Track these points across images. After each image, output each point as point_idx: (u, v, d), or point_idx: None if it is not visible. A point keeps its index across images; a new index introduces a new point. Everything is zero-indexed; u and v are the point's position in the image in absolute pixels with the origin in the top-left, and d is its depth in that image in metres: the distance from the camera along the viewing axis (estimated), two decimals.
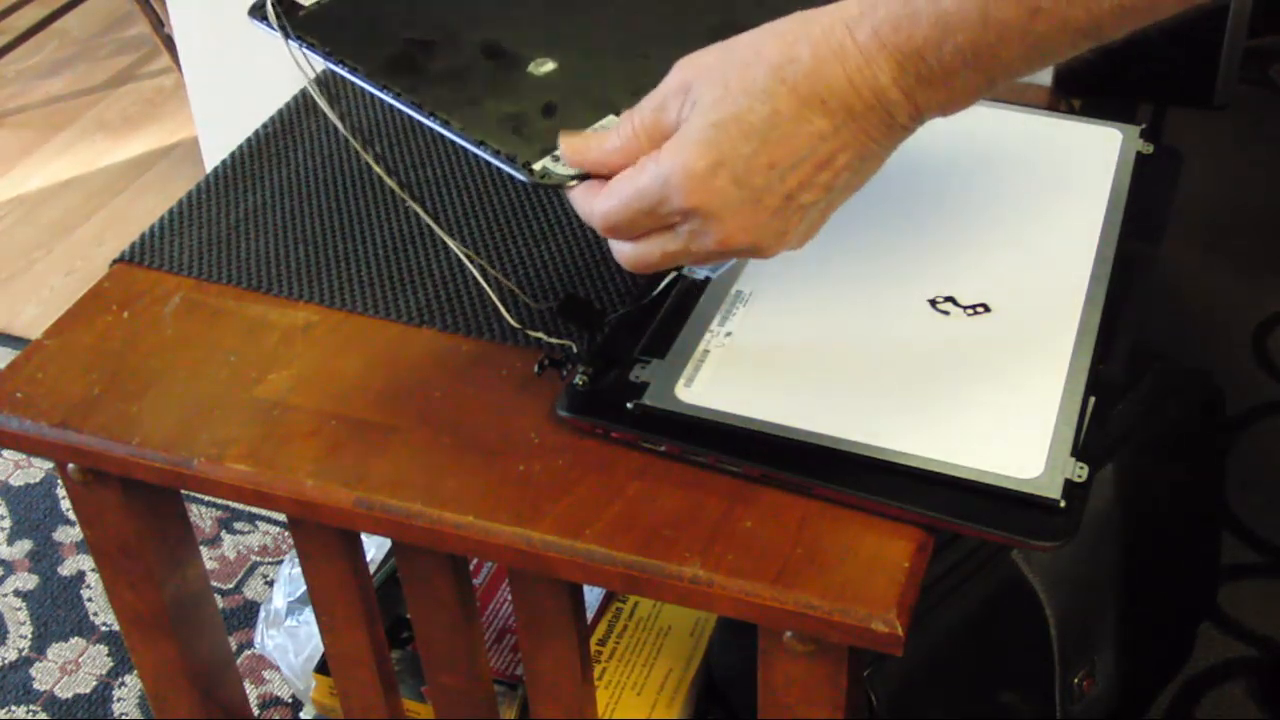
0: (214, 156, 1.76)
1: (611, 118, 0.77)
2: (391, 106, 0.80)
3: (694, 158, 0.64)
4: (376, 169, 0.96)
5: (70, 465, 0.83)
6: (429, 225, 0.94)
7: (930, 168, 0.95)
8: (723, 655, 1.12)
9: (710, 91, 0.64)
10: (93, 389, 0.83)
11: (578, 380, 0.79)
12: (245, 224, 0.96)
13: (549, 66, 0.82)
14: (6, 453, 1.77)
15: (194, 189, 0.99)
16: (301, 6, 0.85)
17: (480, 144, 0.76)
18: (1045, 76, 1.09)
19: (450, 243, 0.89)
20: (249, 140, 1.04)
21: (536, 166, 0.74)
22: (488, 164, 0.81)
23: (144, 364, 0.85)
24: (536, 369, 0.81)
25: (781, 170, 0.64)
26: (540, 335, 0.84)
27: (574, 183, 0.72)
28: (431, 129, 0.78)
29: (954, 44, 0.60)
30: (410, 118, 0.80)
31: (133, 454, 0.80)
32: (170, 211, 0.97)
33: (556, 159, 0.74)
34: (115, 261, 0.94)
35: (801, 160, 0.64)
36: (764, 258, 0.69)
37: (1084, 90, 1.10)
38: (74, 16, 2.69)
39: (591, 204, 0.69)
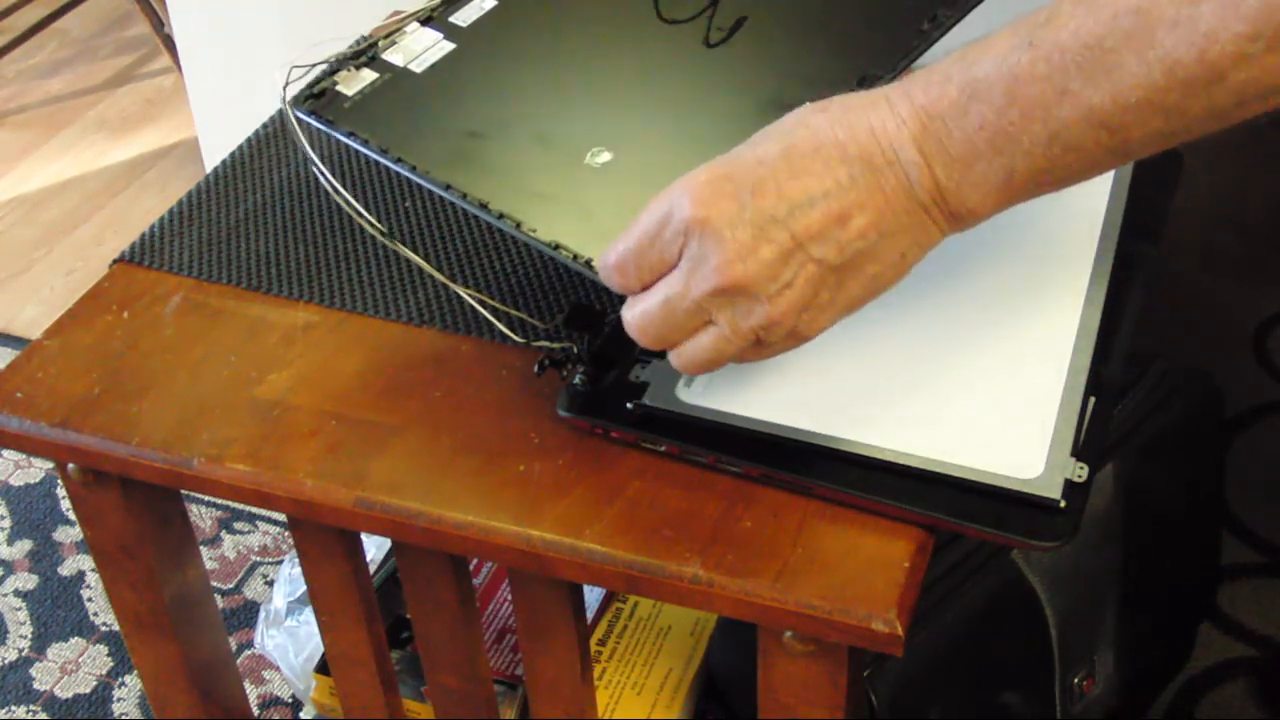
0: (214, 156, 1.76)
1: None
2: (452, 203, 0.79)
3: (700, 171, 0.64)
4: (384, 236, 0.95)
5: (70, 465, 0.83)
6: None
7: None
8: (723, 655, 1.12)
9: (723, 159, 0.65)
10: (93, 389, 0.83)
11: (578, 380, 0.79)
12: (245, 224, 0.96)
13: (606, 156, 0.81)
14: (6, 453, 1.77)
15: (194, 189, 0.99)
16: (346, 97, 0.84)
17: (556, 248, 0.75)
18: None
19: (460, 291, 0.87)
20: (249, 140, 1.04)
21: None
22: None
23: (144, 364, 0.85)
24: (536, 369, 0.81)
25: (791, 204, 0.62)
26: (543, 343, 0.84)
27: None
28: (500, 229, 0.77)
29: (978, 112, 0.60)
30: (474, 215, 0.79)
31: (133, 454, 0.80)
32: (170, 211, 0.97)
33: None
34: (115, 261, 0.94)
35: (813, 200, 0.62)
36: (766, 327, 0.65)
37: None
38: (74, 16, 2.69)
39: (603, 260, 0.69)
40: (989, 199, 0.63)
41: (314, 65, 0.85)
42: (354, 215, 0.90)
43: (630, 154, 0.81)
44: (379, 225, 0.87)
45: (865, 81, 0.82)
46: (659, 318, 0.68)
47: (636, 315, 0.69)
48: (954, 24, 0.87)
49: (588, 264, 0.75)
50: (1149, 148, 0.60)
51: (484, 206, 0.78)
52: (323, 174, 0.88)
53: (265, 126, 1.05)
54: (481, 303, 0.85)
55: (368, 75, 0.86)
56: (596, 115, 0.85)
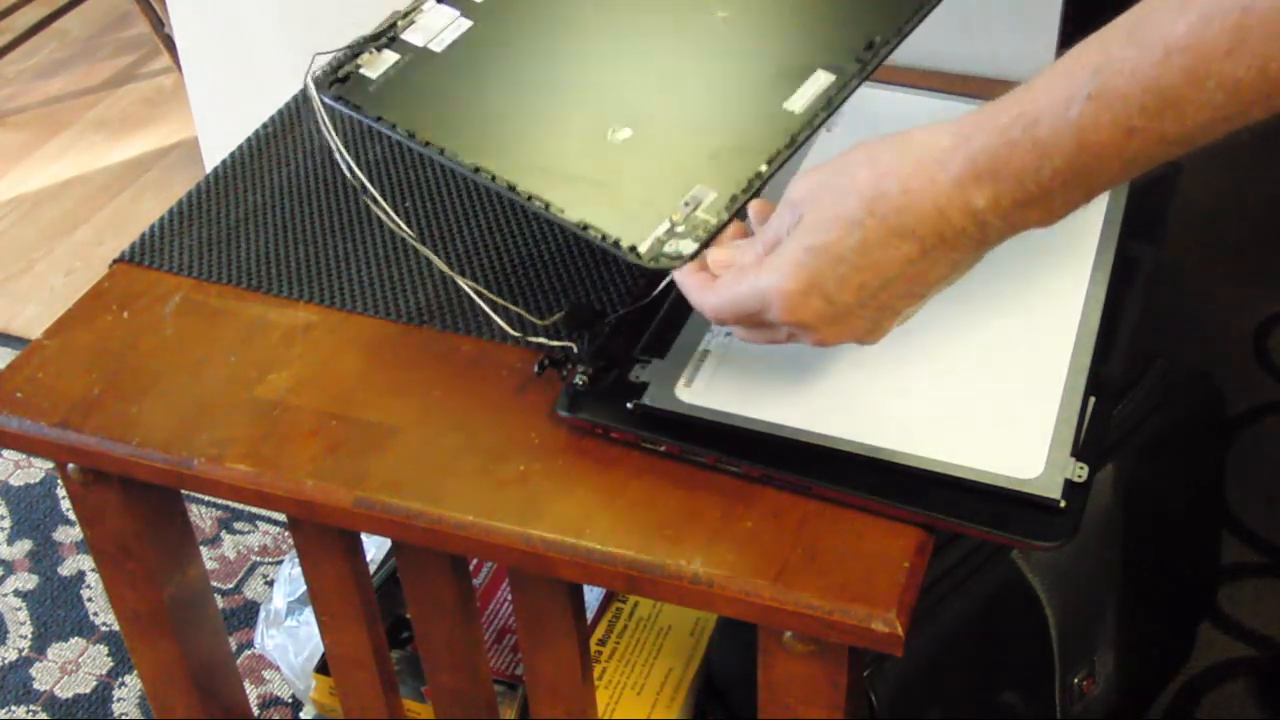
0: (214, 156, 1.76)
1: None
2: (480, 184, 0.80)
3: (788, 280, 0.68)
4: (391, 215, 0.95)
5: (70, 465, 0.83)
6: (431, 256, 0.94)
7: None
8: (723, 655, 1.12)
9: (811, 214, 0.68)
10: (93, 389, 0.83)
11: (578, 380, 0.79)
12: (245, 224, 0.96)
13: (626, 133, 0.81)
14: (6, 453, 1.77)
15: (194, 189, 0.99)
16: (370, 80, 0.84)
17: (584, 228, 0.77)
18: None
19: (462, 282, 0.87)
20: (249, 140, 1.04)
21: (643, 250, 0.76)
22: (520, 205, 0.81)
23: (144, 364, 0.85)
24: (536, 369, 0.81)
25: (871, 289, 0.68)
26: (541, 340, 0.84)
27: (681, 262, 0.75)
28: (527, 208, 0.78)
29: (1052, 167, 0.62)
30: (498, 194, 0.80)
31: (133, 454, 0.80)
32: (170, 211, 0.97)
33: (660, 241, 0.76)
34: (115, 261, 0.94)
35: (890, 281, 0.67)
36: (870, 344, 0.73)
37: None
38: (74, 16, 2.69)
39: (702, 297, 0.73)
40: (1068, 212, 0.65)
41: (335, 51, 0.85)
42: (380, 213, 0.90)
43: (649, 129, 0.82)
44: (399, 221, 0.87)
45: (872, 47, 0.84)
46: (745, 334, 0.74)
47: (740, 336, 0.75)
48: None
49: (615, 244, 0.76)
50: (1214, 138, 0.62)
51: (513, 188, 0.78)
52: (349, 165, 0.88)
53: (265, 126, 1.05)
54: (481, 295, 0.85)
55: (390, 57, 0.86)
56: (614, 91, 0.85)
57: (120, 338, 0.87)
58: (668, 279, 0.85)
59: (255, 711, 1.44)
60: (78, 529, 1.49)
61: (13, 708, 1.45)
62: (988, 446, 0.74)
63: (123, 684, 1.47)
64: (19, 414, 0.82)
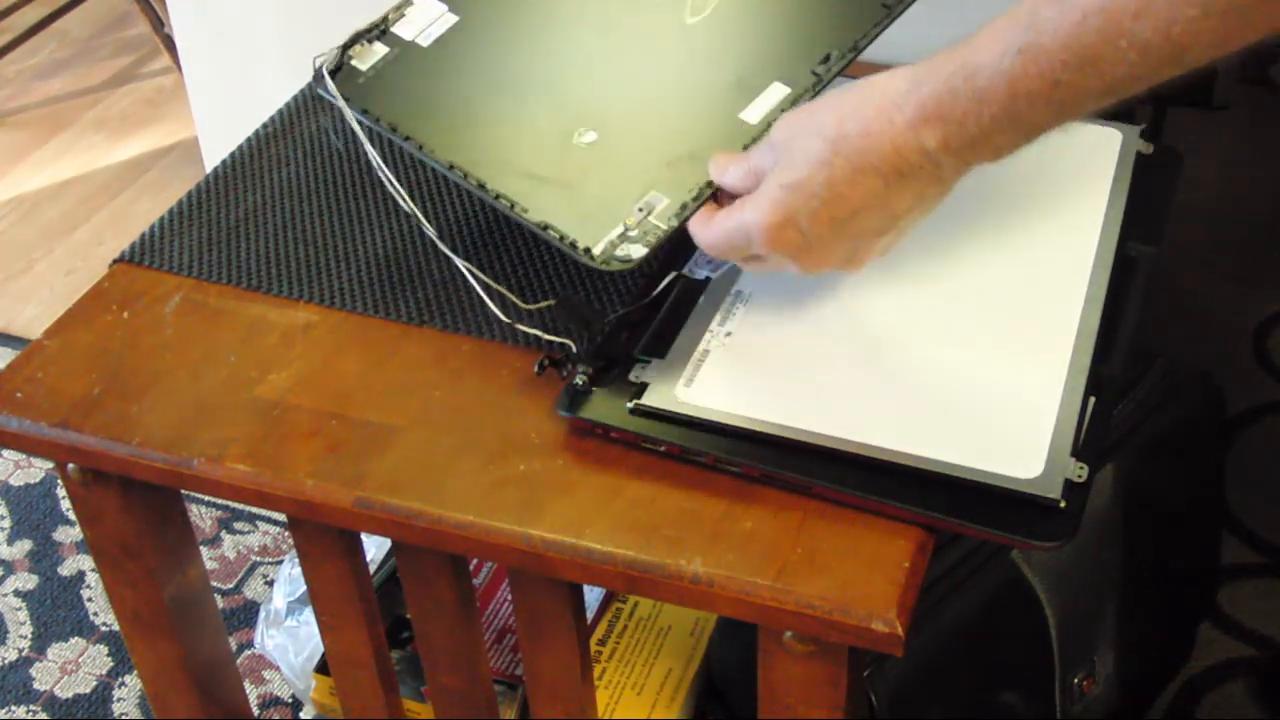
0: (214, 156, 1.76)
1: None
2: (460, 184, 0.83)
3: (766, 215, 0.76)
4: (389, 180, 0.96)
5: (70, 465, 0.83)
6: (426, 226, 0.94)
7: None
8: (723, 655, 1.12)
9: (786, 156, 0.75)
10: (93, 389, 0.83)
11: (578, 380, 0.79)
12: (245, 224, 0.96)
13: (591, 137, 0.85)
14: (6, 453, 1.77)
15: (194, 189, 0.99)
16: (360, 72, 0.87)
17: (545, 229, 0.81)
18: None
19: (443, 246, 0.90)
20: (249, 140, 1.04)
21: (597, 252, 0.80)
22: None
23: (144, 364, 0.85)
24: (536, 369, 0.81)
25: (841, 220, 0.74)
26: (538, 332, 0.84)
27: (629, 265, 0.80)
28: (494, 207, 0.82)
29: (990, 113, 0.68)
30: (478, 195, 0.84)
31: (133, 454, 0.80)
32: (170, 211, 0.97)
33: (613, 244, 0.80)
34: (115, 261, 0.94)
35: (858, 212, 0.74)
36: (853, 271, 0.80)
37: None
38: (74, 16, 2.69)
39: (697, 232, 0.81)
40: (1015, 149, 0.72)
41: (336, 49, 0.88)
42: (404, 205, 0.92)
43: (613, 133, 0.86)
44: (417, 210, 0.91)
45: (828, 60, 0.88)
46: (744, 264, 0.81)
47: (713, 241, 0.80)
48: (912, 2, 0.91)
49: (572, 244, 0.80)
50: (1139, 91, 0.68)
51: (482, 186, 0.83)
52: (377, 162, 0.90)
53: (265, 126, 1.05)
54: (475, 275, 0.87)
55: (380, 50, 0.88)
56: (584, 91, 0.88)
57: (120, 338, 0.87)
58: (666, 281, 0.86)
59: (255, 711, 1.44)
60: (78, 529, 1.49)
61: (13, 708, 1.45)
62: (988, 446, 0.74)
63: (123, 684, 1.47)
64: (19, 414, 0.82)
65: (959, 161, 0.72)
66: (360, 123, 0.85)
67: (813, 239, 0.75)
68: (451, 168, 0.83)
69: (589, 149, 0.85)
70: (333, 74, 0.86)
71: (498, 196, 0.82)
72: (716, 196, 0.82)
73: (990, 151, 0.71)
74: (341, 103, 0.85)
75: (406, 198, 0.94)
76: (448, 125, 0.85)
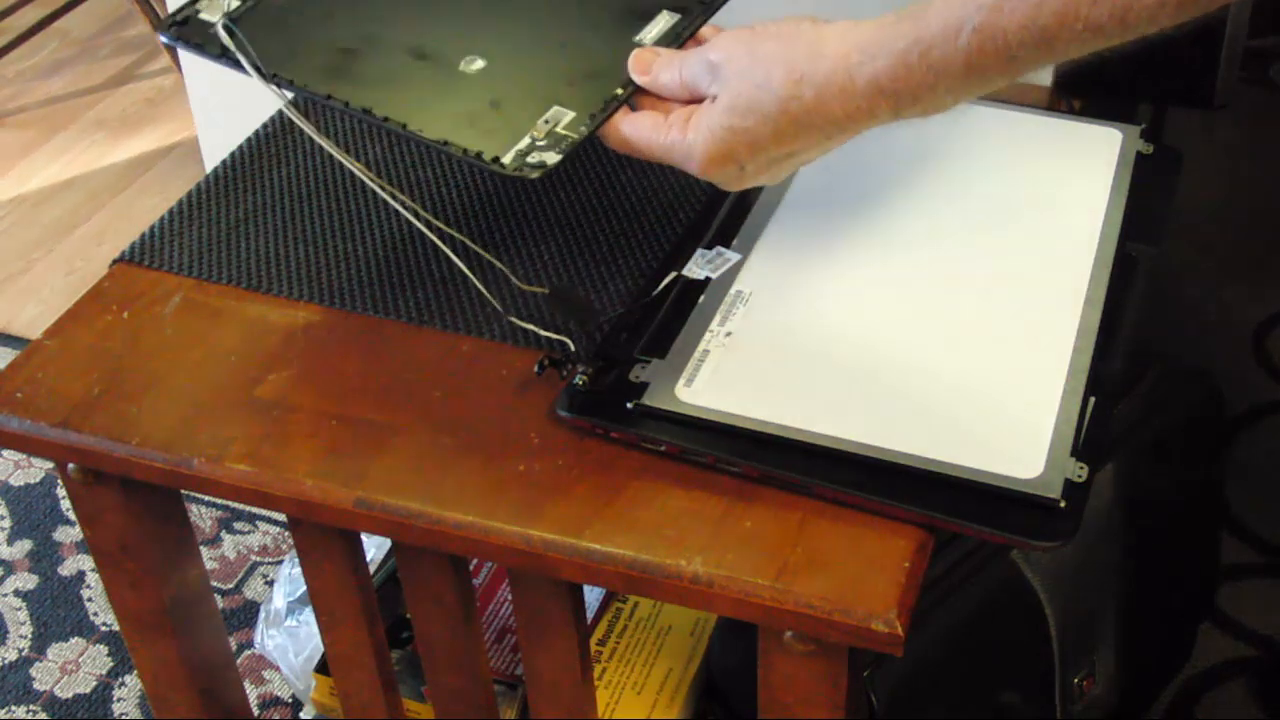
0: (214, 156, 1.76)
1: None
2: (342, 112, 0.80)
3: (710, 147, 0.77)
4: (357, 169, 0.96)
5: (70, 465, 0.83)
6: (424, 220, 0.94)
7: (931, 168, 0.95)
8: (723, 655, 1.12)
9: (730, 97, 0.76)
10: (93, 389, 0.83)
11: (578, 380, 0.79)
12: (245, 224, 0.96)
13: (479, 64, 0.83)
14: (6, 453, 1.77)
15: (194, 189, 0.99)
16: (207, 23, 0.82)
17: (445, 144, 0.78)
18: (1045, 76, 1.09)
19: (418, 223, 0.88)
20: (249, 140, 1.04)
21: (506, 160, 0.78)
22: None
23: (144, 364, 0.85)
24: (536, 369, 0.81)
25: (778, 159, 0.78)
26: (534, 328, 0.84)
27: (544, 171, 0.78)
28: (391, 131, 0.79)
29: (945, 86, 0.71)
30: (366, 122, 0.81)
31: (133, 454, 0.80)
32: (170, 211, 0.97)
33: (522, 154, 0.78)
34: (115, 261, 0.94)
35: (795, 154, 0.78)
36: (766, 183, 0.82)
37: (1084, 90, 1.10)
38: (74, 16, 2.69)
39: (619, 125, 0.81)
40: (951, 108, 0.74)
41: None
42: (395, 204, 0.90)
43: (502, 60, 0.84)
44: (412, 205, 0.88)
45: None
46: (649, 159, 0.82)
47: (637, 143, 0.81)
48: None
49: (478, 155, 0.77)
50: (1091, 53, 0.70)
51: (368, 111, 0.79)
52: (324, 144, 0.88)
53: (265, 126, 1.05)
54: (468, 246, 0.86)
55: (232, 0, 0.84)
56: (465, 26, 0.87)
57: (120, 338, 0.87)
58: (666, 281, 0.86)
59: (255, 711, 1.44)
60: (78, 529, 1.49)
61: (13, 708, 1.45)
62: (988, 446, 0.74)
63: (123, 684, 1.47)
64: (19, 414, 0.82)
65: (899, 119, 0.75)
66: (373, 128, 0.82)
67: (748, 174, 0.79)
68: (329, 98, 0.79)
69: (478, 74, 0.83)
70: (181, 25, 0.82)
71: (386, 119, 0.78)
72: (632, 104, 0.81)
73: (936, 110, 0.73)
74: (261, 78, 0.80)
75: (381, 186, 0.94)
76: (321, 65, 0.82)
